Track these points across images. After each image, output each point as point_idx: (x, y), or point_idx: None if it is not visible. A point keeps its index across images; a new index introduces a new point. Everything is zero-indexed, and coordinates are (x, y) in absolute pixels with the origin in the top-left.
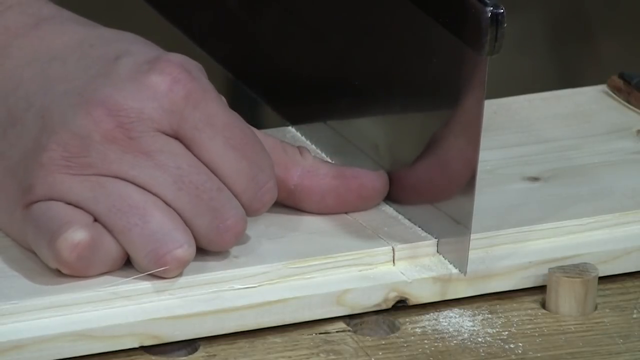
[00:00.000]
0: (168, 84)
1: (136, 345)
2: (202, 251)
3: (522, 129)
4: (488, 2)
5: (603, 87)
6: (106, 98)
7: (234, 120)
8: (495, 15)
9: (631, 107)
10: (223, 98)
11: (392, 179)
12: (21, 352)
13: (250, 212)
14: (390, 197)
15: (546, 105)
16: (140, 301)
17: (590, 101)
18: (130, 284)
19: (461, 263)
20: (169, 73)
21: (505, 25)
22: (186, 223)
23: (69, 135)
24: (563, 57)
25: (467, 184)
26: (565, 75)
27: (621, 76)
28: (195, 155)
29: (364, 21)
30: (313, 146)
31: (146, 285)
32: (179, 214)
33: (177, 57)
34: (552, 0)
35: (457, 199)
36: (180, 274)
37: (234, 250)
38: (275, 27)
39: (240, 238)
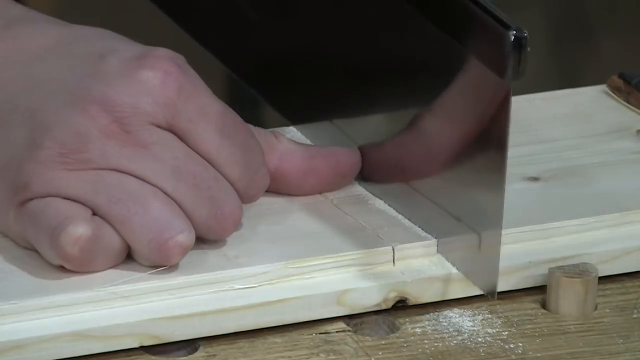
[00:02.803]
0: (160, 79)
1: (136, 345)
2: (202, 251)
3: (522, 129)
4: (510, 24)
5: (603, 87)
6: (100, 95)
7: (225, 109)
8: (518, 39)
9: (631, 107)
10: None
11: (365, 156)
12: (21, 352)
13: (245, 199)
14: (363, 175)
15: (546, 105)
16: (140, 301)
17: (590, 101)
18: (130, 284)
19: (488, 286)
20: (160, 68)
21: (529, 49)
22: (185, 213)
23: (65, 132)
24: (563, 57)
25: (494, 220)
26: (565, 75)
27: (621, 76)
28: (190, 147)
29: (375, 31)
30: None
31: (146, 285)
32: (178, 205)
33: (165, 52)
34: (552, 0)
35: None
36: (180, 274)
37: (234, 250)
38: (278, 24)
39: (238, 225)
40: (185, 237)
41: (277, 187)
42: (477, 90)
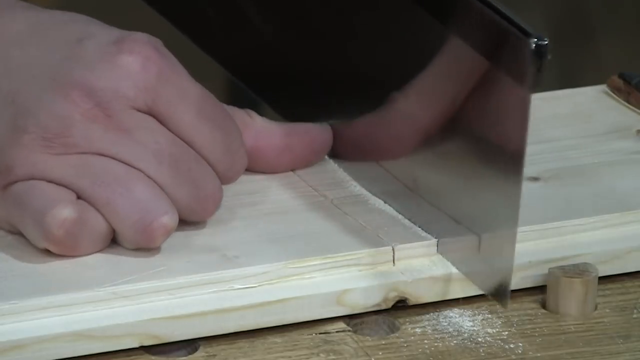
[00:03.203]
0: (140, 63)
1: (136, 345)
2: (202, 250)
3: None
4: (530, 32)
5: (603, 87)
6: (81, 80)
7: (204, 92)
8: (539, 47)
9: (631, 107)
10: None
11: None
12: (21, 352)
13: (224, 180)
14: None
15: (546, 105)
16: (140, 301)
17: (590, 101)
18: (130, 284)
19: (500, 294)
20: (139, 52)
21: (550, 57)
22: (168, 195)
23: (49, 117)
24: (563, 57)
25: (509, 224)
26: (565, 75)
27: (621, 76)
28: (170, 130)
29: (379, 29)
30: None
31: (146, 285)
32: (160, 187)
33: (142, 36)
34: (553, 0)
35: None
36: (180, 274)
37: (234, 250)
38: (277, 25)
39: (219, 206)
40: (169, 218)
41: (253, 166)
42: (455, 70)
